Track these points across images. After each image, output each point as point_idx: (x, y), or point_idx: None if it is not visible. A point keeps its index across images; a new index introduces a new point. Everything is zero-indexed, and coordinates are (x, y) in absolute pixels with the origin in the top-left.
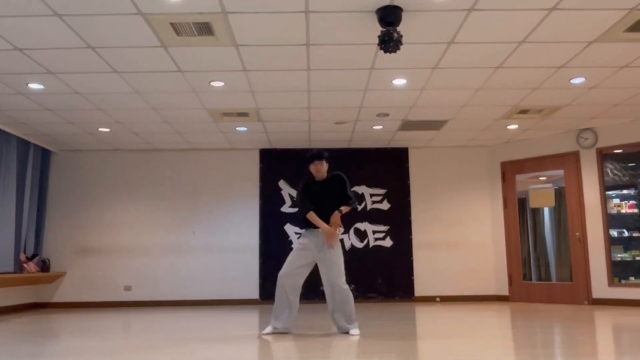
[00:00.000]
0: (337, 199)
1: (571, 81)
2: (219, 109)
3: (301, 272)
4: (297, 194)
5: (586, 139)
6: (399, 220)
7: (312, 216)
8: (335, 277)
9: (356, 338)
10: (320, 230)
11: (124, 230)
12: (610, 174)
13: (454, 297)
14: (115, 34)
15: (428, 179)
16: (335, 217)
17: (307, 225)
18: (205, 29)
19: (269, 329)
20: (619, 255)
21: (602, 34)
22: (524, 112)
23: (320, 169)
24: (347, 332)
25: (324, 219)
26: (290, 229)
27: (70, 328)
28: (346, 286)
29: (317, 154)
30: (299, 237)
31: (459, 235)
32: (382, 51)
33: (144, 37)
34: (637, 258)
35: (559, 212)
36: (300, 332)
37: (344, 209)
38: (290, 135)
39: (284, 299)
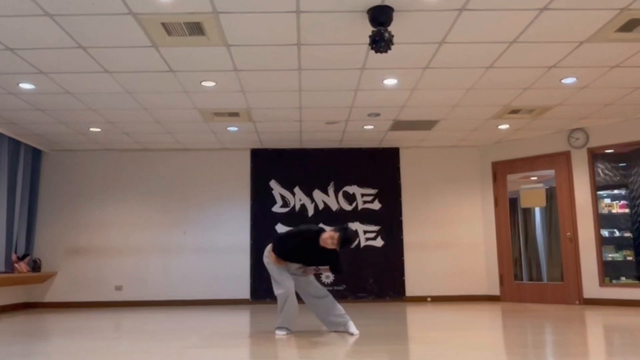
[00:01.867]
0: (323, 260)
1: (562, 81)
2: (209, 109)
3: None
4: (290, 231)
5: (577, 139)
6: (390, 221)
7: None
8: (318, 291)
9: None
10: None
11: (114, 230)
12: (601, 174)
13: (445, 297)
14: (106, 34)
15: (419, 179)
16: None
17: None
18: (196, 28)
19: (284, 332)
20: (610, 255)
21: (593, 34)
22: (515, 112)
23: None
24: (348, 331)
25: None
26: (281, 229)
27: (61, 328)
28: (324, 291)
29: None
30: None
31: (450, 235)
32: (373, 51)
33: (135, 37)
34: (629, 258)
35: (550, 212)
36: (307, 337)
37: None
38: (281, 135)
39: (289, 306)
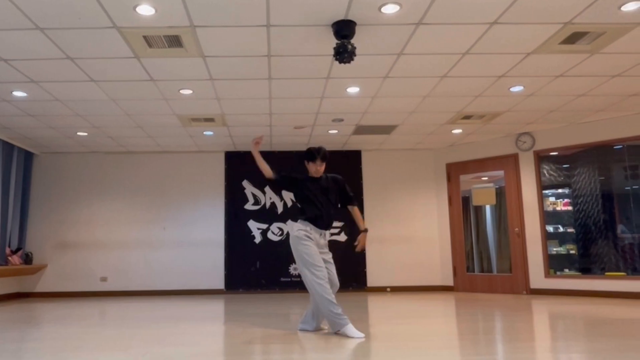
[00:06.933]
0: (334, 197)
1: (510, 89)
2: (187, 115)
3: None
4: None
5: (524, 142)
6: (353, 217)
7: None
8: (336, 277)
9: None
10: (324, 232)
11: (100, 226)
12: (546, 174)
13: (403, 288)
14: (92, 46)
15: (379, 179)
16: (363, 238)
17: (309, 219)
18: (175, 41)
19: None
20: (554, 249)
21: (539, 46)
22: (467, 117)
23: (319, 170)
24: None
25: (320, 216)
26: (253, 225)
27: (51, 316)
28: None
29: (321, 153)
30: (299, 232)
31: (407, 231)
32: (337, 62)
33: (119, 48)
34: (571, 252)
35: (499, 209)
36: (276, 325)
37: (357, 211)
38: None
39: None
